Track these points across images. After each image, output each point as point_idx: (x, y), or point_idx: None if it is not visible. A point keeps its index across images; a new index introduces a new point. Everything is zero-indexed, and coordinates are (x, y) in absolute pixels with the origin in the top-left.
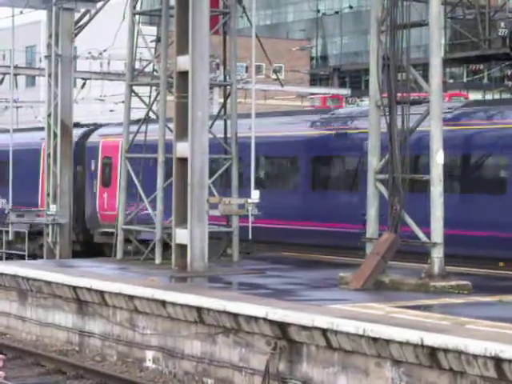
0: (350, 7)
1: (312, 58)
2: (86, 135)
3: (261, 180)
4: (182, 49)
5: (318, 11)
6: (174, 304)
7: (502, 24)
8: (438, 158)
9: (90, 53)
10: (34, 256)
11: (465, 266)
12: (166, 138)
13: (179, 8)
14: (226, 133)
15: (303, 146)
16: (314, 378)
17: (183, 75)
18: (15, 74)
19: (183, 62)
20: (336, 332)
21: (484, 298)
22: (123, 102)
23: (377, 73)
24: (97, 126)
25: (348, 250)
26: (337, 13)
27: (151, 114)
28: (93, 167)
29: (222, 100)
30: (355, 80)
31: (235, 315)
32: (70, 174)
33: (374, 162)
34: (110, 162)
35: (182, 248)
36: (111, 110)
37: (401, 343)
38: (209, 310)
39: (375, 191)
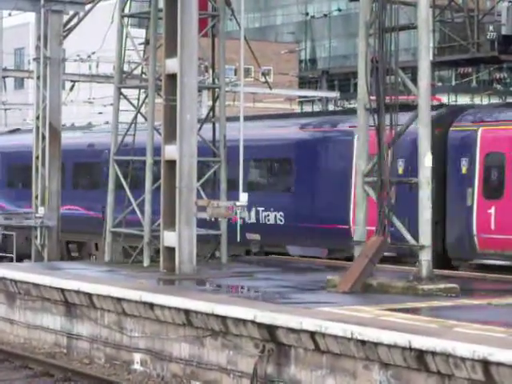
0: (339, 10)
1: (301, 61)
2: (444, 120)
3: None
4: (171, 51)
5: (307, 14)
6: (162, 307)
7: (491, 27)
8: (426, 161)
9: (78, 55)
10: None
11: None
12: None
13: (168, 10)
14: (214, 136)
15: None
16: (302, 380)
17: (172, 78)
18: (4, 76)
19: (172, 65)
20: (324, 335)
21: (472, 300)
22: (112, 104)
23: (365, 76)
24: (464, 108)
25: None
26: (325, 16)
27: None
28: (464, 168)
29: (210, 103)
30: (344, 83)
31: (223, 318)
32: (58, 176)
33: (361, 164)
34: (498, 160)
35: (171, 251)
36: (100, 113)
37: (389, 346)
38: (197, 312)
39: (363, 194)
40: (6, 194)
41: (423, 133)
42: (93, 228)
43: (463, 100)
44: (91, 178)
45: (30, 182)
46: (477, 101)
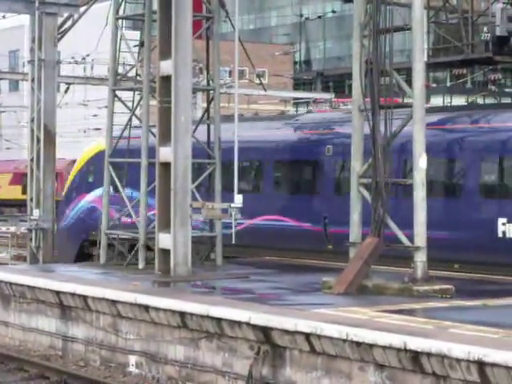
0: (333, 12)
1: (295, 63)
2: None
3: None
4: (165, 53)
5: (301, 16)
6: (157, 309)
7: (485, 28)
8: (420, 163)
9: (73, 57)
10: None
11: (448, 269)
12: None
13: (162, 12)
14: (209, 137)
15: None
16: (298, 382)
17: (166, 80)
18: None
19: (166, 67)
20: (319, 336)
21: (467, 302)
22: (106, 106)
23: (360, 77)
24: None
25: None
26: (320, 17)
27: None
28: None
29: (205, 105)
30: (339, 84)
31: (218, 320)
32: (53, 178)
33: (356, 166)
34: None
35: (166, 253)
36: (95, 115)
37: (384, 347)
38: (192, 314)
39: (358, 195)
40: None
41: (418, 134)
42: (308, 245)
43: (458, 101)
44: (303, 181)
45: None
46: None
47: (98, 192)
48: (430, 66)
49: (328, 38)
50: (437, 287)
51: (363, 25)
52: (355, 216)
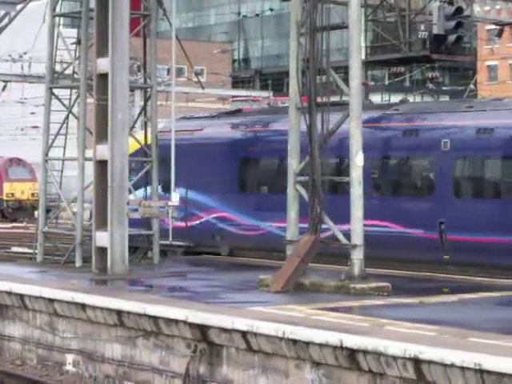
0: (271, 10)
1: (234, 61)
2: None
3: None
4: (102, 51)
5: (240, 14)
6: (94, 307)
7: (422, 27)
8: (357, 160)
9: (10, 55)
10: None
11: (385, 267)
12: None
13: (99, 10)
14: (146, 135)
15: None
16: (235, 380)
17: (103, 77)
18: None
19: (103, 64)
20: (256, 334)
21: (404, 299)
22: (44, 104)
23: (296, 75)
24: None
25: None
26: (258, 16)
27: None
28: None
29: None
30: (277, 82)
31: (155, 318)
32: None
33: (293, 164)
34: None
35: (103, 251)
36: (32, 113)
37: (320, 345)
38: (129, 313)
39: (295, 193)
40: (238, 202)
41: (355, 132)
42: (419, 255)
43: (397, 99)
44: (412, 180)
45: (281, 185)
46: (410, 100)
47: (141, 192)
48: (368, 64)
49: (266, 37)
50: (373, 285)
51: (300, 23)
52: (292, 214)
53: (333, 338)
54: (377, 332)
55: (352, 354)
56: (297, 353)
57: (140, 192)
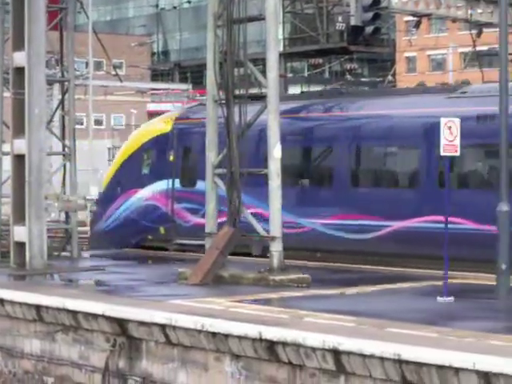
0: (189, 2)
1: (153, 54)
2: None
3: None
4: (18, 44)
5: (158, 6)
6: (12, 302)
7: (340, 18)
8: (275, 153)
9: None
10: None
11: (304, 259)
12: None
13: (15, 3)
14: (63, 129)
15: None
16: (154, 374)
17: (19, 71)
18: None
19: (19, 58)
20: (174, 327)
21: (323, 290)
22: None
23: (213, 67)
24: None
25: None
26: (176, 8)
27: None
28: None
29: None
30: (197, 75)
31: (74, 312)
32: None
33: (211, 156)
34: None
35: (21, 246)
36: None
37: (239, 337)
38: (48, 307)
39: (213, 186)
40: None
41: (272, 124)
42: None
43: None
44: (489, 169)
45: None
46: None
47: (157, 186)
48: (287, 56)
49: (185, 29)
50: (293, 276)
51: (217, 15)
52: (210, 206)
53: (252, 330)
54: (296, 324)
55: (271, 345)
56: (216, 345)
57: (158, 185)
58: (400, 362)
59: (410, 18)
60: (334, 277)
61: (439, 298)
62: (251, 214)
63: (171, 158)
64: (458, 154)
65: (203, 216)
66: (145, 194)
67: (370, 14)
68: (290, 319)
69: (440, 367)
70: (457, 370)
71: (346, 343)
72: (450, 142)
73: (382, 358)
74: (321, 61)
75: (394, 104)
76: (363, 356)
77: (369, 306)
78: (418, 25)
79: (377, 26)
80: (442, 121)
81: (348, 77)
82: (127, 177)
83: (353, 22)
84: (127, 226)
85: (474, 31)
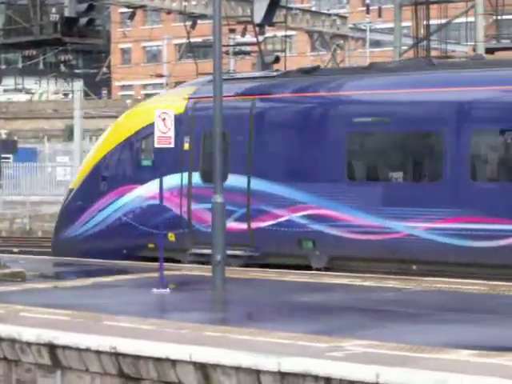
0: None
1: None
2: None
3: None
4: None
5: None
6: None
7: (54, 9)
8: None
9: None
10: None
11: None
12: None
13: None
14: None
15: None
16: None
17: None
18: None
19: None
20: None
21: (39, 284)
22: None
23: None
24: None
25: None
26: None
27: None
28: None
29: None
30: None
31: None
32: None
33: None
34: None
35: None
36: None
37: None
38: None
39: None
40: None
41: None
42: None
43: (31, 83)
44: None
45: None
46: (44, 83)
47: (165, 182)
48: (1, 48)
49: None
50: (7, 271)
51: None
52: None
53: None
54: (12, 318)
55: None
56: None
57: (167, 180)
58: (117, 355)
59: (125, 9)
60: (49, 270)
61: (155, 290)
62: (306, 215)
63: (186, 145)
64: (172, 145)
65: (236, 219)
66: (145, 192)
67: (84, 5)
68: (6, 314)
69: (157, 359)
70: (174, 362)
71: (61, 337)
72: (163, 133)
73: (98, 352)
74: (35, 52)
75: None
76: (79, 350)
77: (84, 300)
78: (132, 16)
79: (91, 17)
80: (156, 112)
81: (62, 68)
82: (118, 169)
83: (66, 13)
84: (117, 233)
85: (188, 23)
